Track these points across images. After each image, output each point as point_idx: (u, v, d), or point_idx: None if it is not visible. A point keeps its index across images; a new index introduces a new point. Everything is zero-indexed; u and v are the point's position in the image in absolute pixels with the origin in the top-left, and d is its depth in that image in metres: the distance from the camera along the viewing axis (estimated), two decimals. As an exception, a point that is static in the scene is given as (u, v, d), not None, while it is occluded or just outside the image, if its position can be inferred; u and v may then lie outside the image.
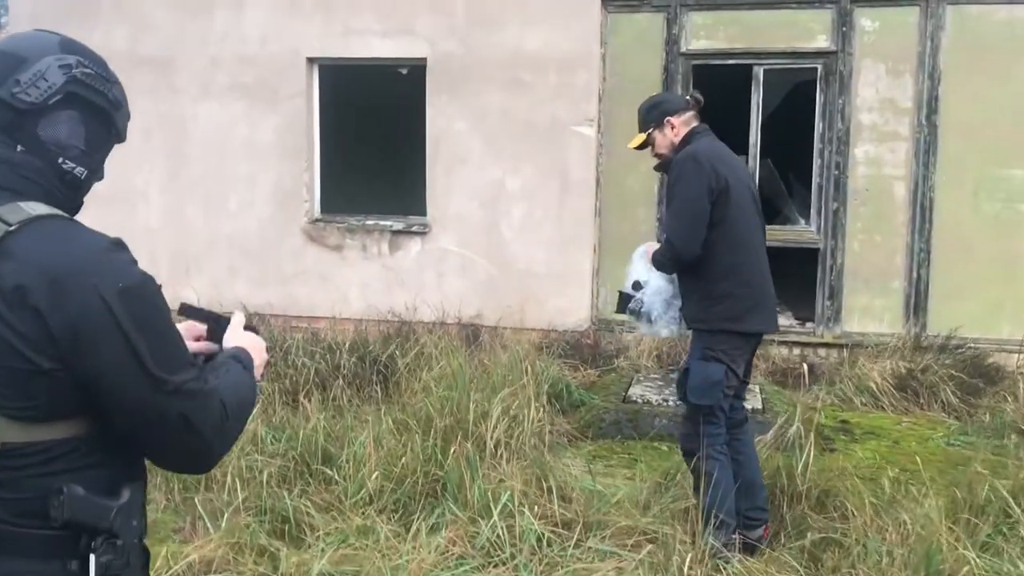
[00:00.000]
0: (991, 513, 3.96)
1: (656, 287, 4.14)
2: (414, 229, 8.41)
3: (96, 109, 1.66)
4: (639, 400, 6.08)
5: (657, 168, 4.19)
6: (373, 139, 10.45)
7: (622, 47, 8.13)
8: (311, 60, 8.44)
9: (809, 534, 3.93)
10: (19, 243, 1.48)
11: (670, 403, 6.02)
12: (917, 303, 7.78)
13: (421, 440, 4.72)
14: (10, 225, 1.49)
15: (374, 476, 4.43)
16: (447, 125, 8.20)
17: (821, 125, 7.89)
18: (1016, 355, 7.45)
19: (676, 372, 4.26)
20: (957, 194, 7.67)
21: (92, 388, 1.50)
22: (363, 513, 4.20)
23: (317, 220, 8.63)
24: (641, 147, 4.12)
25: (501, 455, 4.78)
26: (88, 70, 1.63)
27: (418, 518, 4.12)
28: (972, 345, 7.37)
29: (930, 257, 7.75)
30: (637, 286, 4.16)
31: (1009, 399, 6.28)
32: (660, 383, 6.58)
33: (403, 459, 4.48)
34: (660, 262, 3.98)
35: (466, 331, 7.92)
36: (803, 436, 4.80)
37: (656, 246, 4.09)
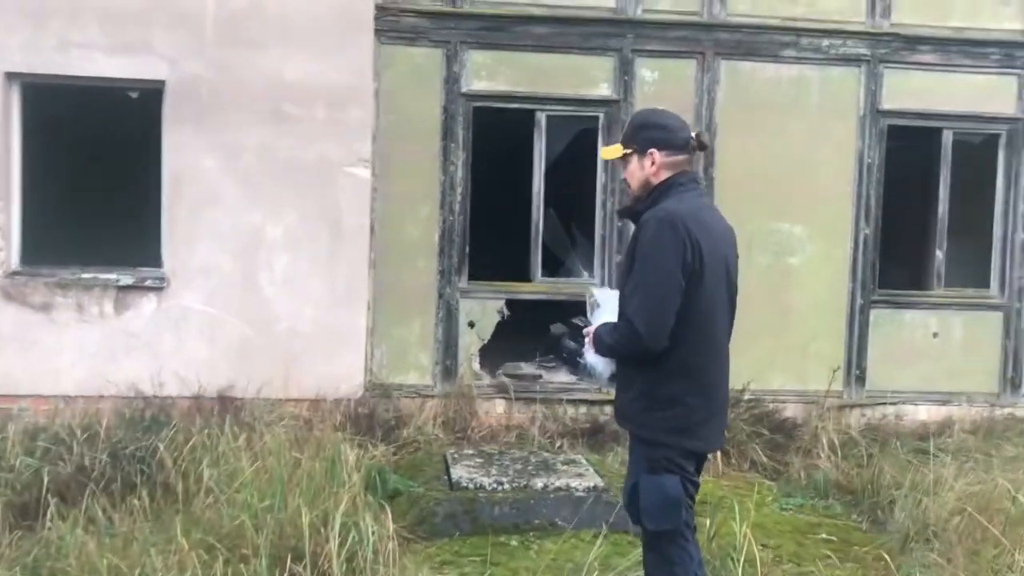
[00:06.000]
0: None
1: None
2: (148, 284, 6.96)
3: None
4: (469, 485, 5.24)
5: (620, 213, 3.46)
6: (93, 175, 8.66)
7: (398, 83, 7.35)
8: (10, 76, 6.76)
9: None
10: None
11: (504, 486, 5.25)
12: (699, 357, 7.69)
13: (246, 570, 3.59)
14: None
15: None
16: (192, 161, 6.90)
17: (603, 176, 7.61)
18: (790, 405, 7.60)
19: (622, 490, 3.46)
20: (733, 247, 7.70)
21: None
22: None
23: (16, 273, 6.90)
24: (618, 160, 3.50)
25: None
26: None
27: None
28: (751, 397, 7.38)
29: (710, 310, 7.71)
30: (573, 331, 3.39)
31: (819, 455, 6.23)
32: (480, 460, 5.79)
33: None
34: (611, 347, 3.15)
35: (221, 406, 6.62)
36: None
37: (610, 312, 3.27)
